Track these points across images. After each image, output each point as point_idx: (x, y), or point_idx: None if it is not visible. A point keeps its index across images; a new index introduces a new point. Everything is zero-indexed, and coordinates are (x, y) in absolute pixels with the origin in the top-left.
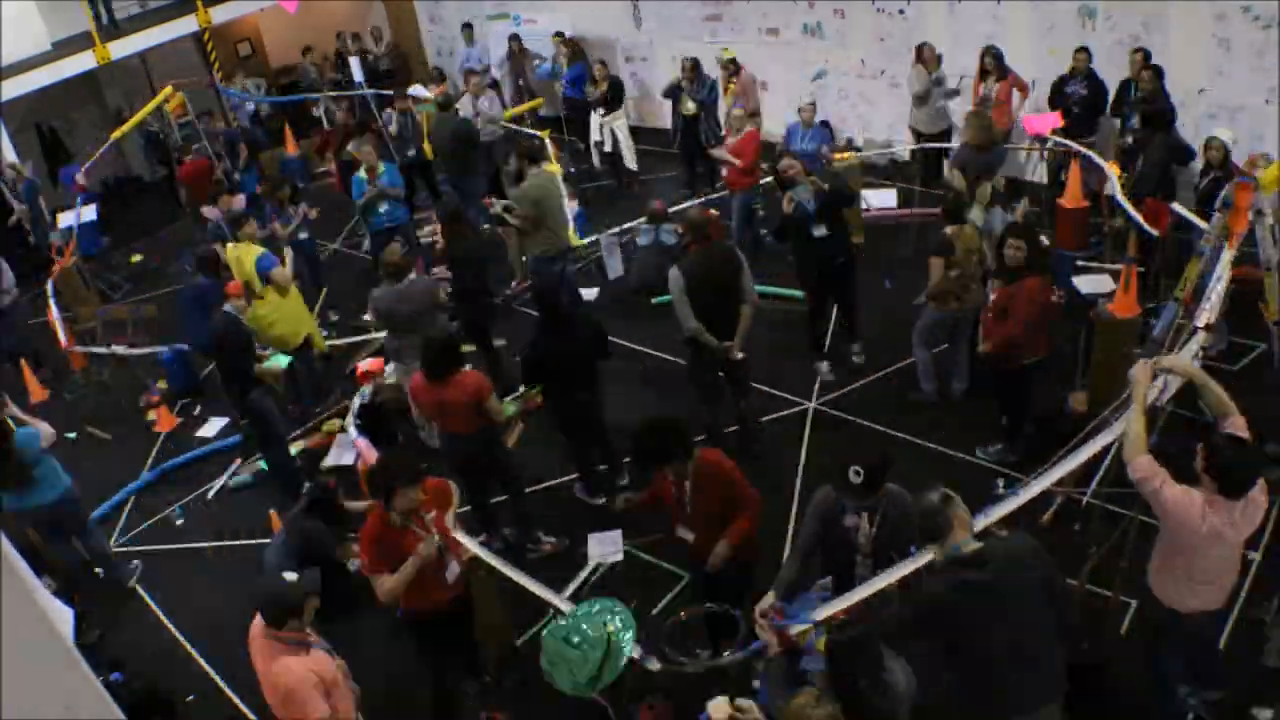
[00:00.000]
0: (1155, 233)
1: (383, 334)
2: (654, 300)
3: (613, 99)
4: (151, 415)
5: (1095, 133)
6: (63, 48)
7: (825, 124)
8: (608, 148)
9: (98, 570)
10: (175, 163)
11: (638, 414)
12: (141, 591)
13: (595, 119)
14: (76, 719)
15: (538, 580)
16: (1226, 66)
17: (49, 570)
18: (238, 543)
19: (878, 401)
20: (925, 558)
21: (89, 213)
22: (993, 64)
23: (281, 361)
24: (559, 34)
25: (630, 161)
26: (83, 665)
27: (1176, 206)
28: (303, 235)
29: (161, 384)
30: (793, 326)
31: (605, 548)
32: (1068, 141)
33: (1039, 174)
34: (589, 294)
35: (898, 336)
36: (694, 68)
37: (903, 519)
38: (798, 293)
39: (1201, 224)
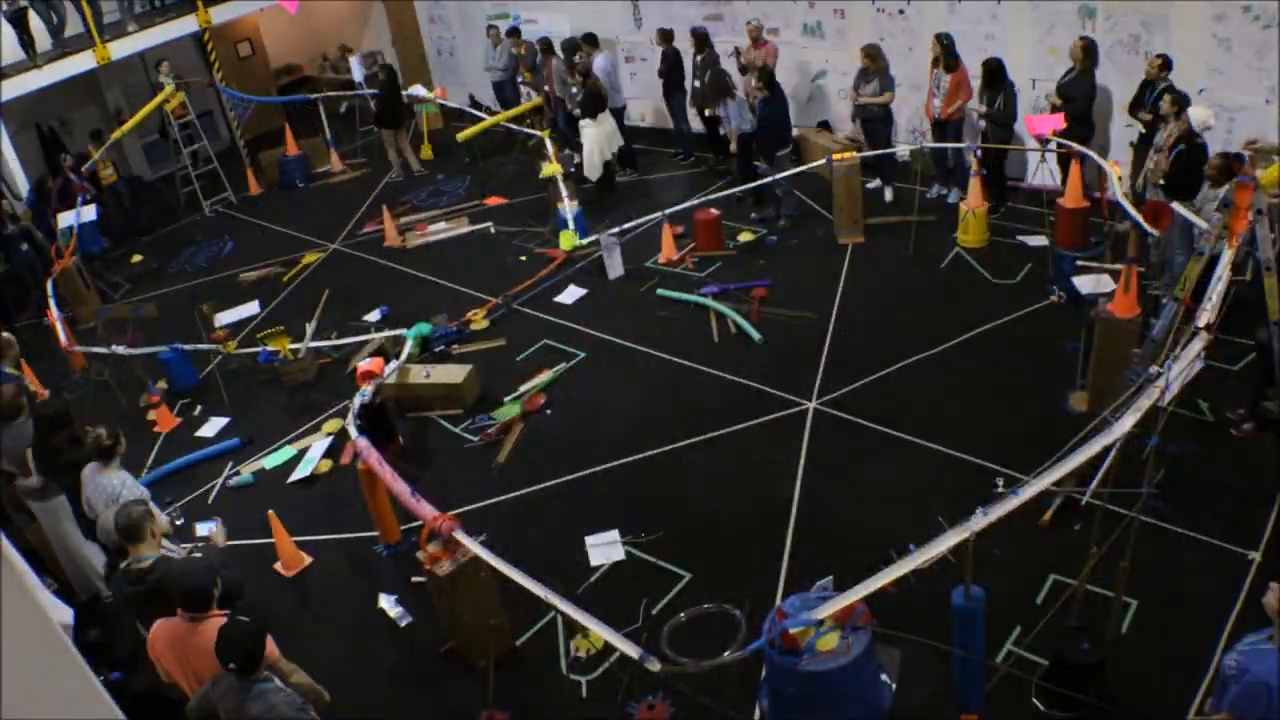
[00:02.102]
0: (1155, 232)
1: (382, 335)
2: (659, 292)
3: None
4: (151, 415)
5: None
6: (62, 47)
7: None
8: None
9: None
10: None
11: (637, 409)
12: None
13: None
14: (77, 719)
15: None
16: (1226, 66)
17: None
18: (237, 543)
19: (878, 401)
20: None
21: (89, 213)
22: (942, 52)
23: None
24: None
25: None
26: (83, 665)
27: (1177, 206)
28: None
29: (162, 384)
30: (793, 328)
31: (604, 549)
32: (1069, 142)
33: (1040, 176)
34: (578, 294)
35: (896, 335)
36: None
37: None
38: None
39: (1201, 223)
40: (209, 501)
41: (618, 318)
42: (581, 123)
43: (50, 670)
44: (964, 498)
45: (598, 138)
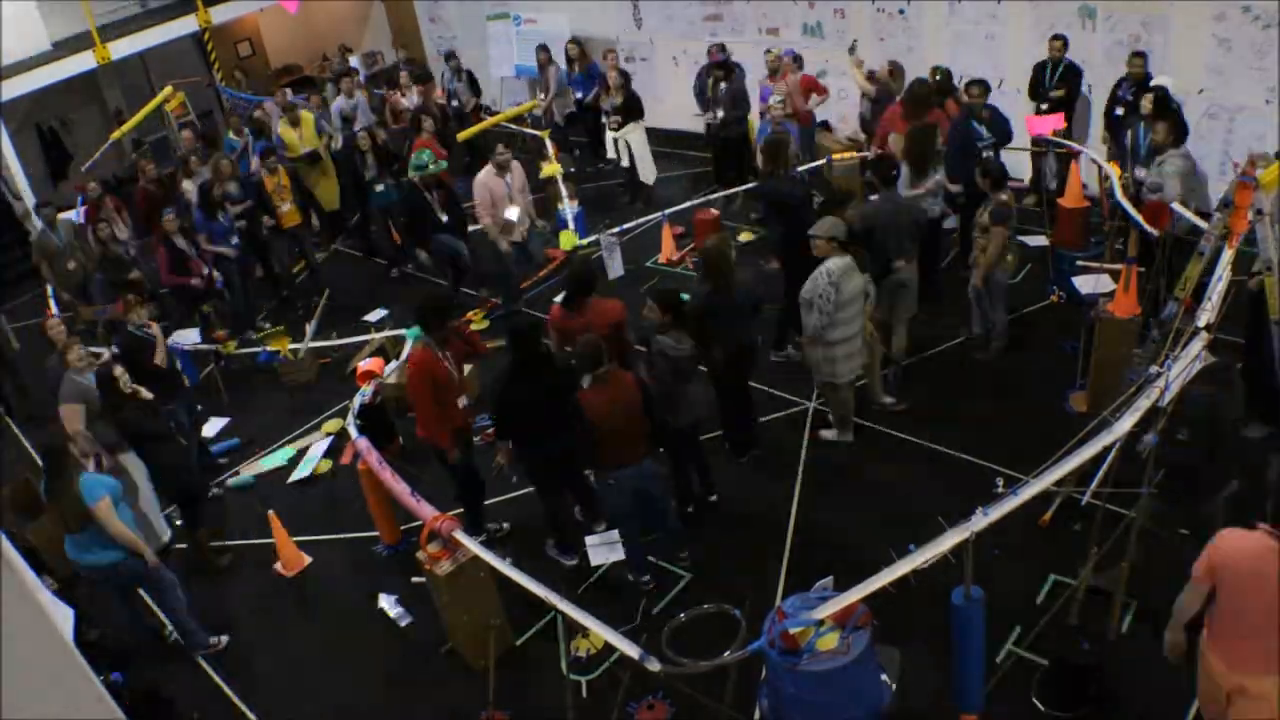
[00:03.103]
0: (1155, 232)
1: (382, 335)
2: None
3: (628, 111)
4: None
5: None
6: (63, 47)
7: None
8: (624, 162)
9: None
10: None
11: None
12: (143, 591)
13: (609, 134)
14: (77, 719)
15: (537, 580)
16: (1226, 66)
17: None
18: (238, 543)
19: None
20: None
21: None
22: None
23: None
24: (573, 40)
25: (647, 175)
26: (83, 665)
27: (1177, 207)
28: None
29: None
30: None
31: (605, 549)
32: (1068, 142)
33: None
34: None
35: None
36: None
37: None
38: None
39: (1201, 224)
40: (208, 495)
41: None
42: (623, 130)
43: (51, 671)
44: (964, 498)
45: (645, 140)
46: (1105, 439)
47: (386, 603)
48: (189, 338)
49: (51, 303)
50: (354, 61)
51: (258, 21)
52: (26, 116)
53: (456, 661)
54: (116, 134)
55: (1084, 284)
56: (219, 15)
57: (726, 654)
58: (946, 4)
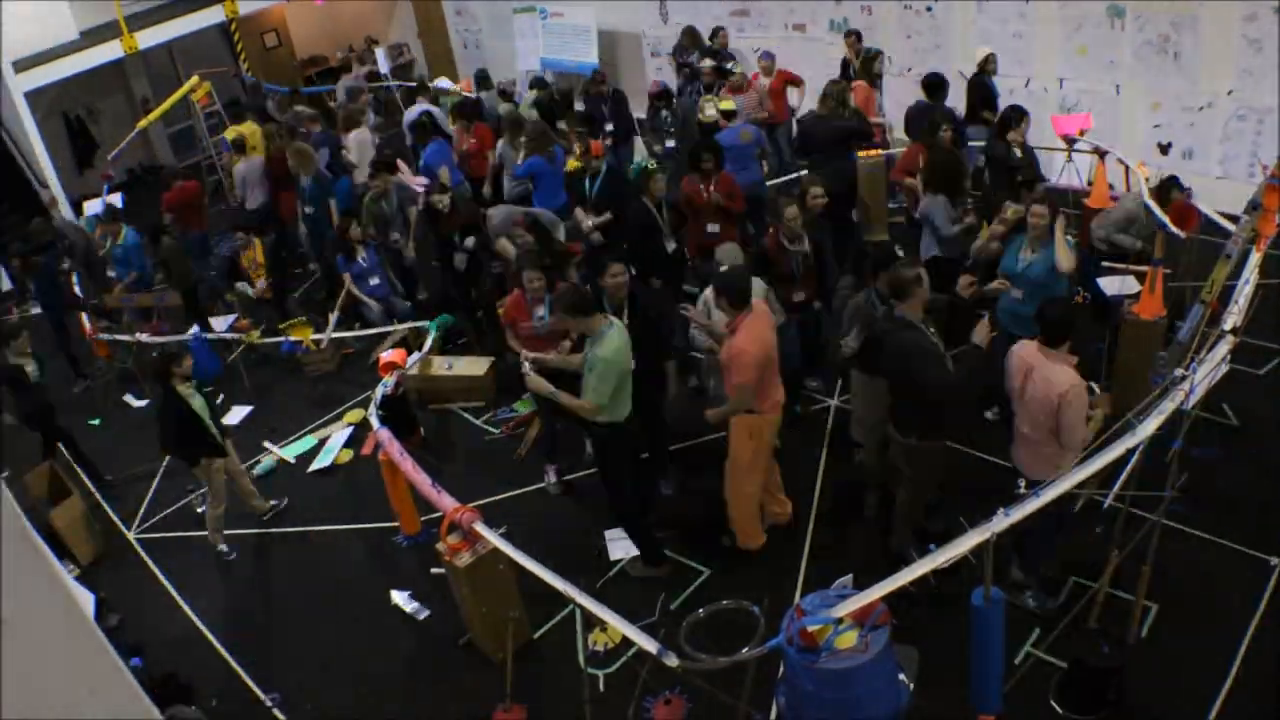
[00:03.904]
0: (1182, 234)
1: (404, 326)
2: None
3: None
4: None
5: None
6: (90, 37)
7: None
8: None
9: None
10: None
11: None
12: (162, 578)
13: None
14: (107, 703)
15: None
16: (1256, 67)
17: None
18: (258, 530)
19: None
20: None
21: (115, 201)
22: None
23: None
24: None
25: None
26: (109, 649)
27: (1204, 209)
28: None
29: None
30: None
31: (624, 543)
32: (1097, 143)
33: (1067, 175)
34: None
35: None
36: None
37: None
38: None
39: (1230, 225)
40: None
41: None
42: None
43: (78, 655)
44: (986, 498)
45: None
46: (1128, 441)
47: (400, 598)
48: (217, 325)
49: (76, 289)
50: (380, 53)
51: (284, 13)
52: (54, 105)
53: (475, 654)
54: (143, 123)
55: (1109, 285)
56: (245, 6)
57: (745, 650)
58: (975, 2)
